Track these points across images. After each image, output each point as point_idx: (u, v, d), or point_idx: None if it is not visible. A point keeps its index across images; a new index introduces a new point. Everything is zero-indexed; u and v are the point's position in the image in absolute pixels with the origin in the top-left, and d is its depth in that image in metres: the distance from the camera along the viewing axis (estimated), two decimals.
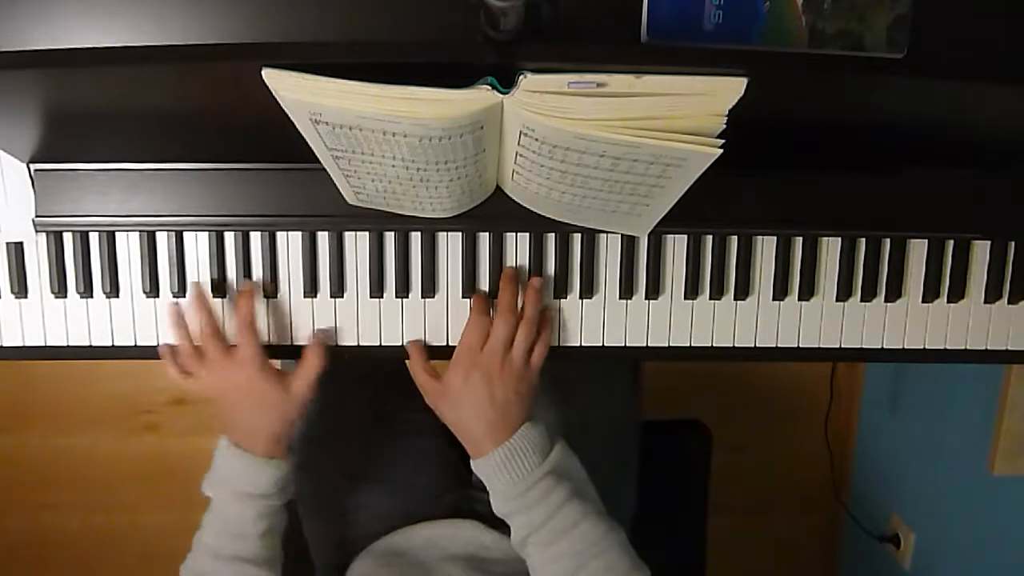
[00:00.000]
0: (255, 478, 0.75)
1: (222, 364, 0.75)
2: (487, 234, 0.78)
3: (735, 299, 0.80)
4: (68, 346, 0.79)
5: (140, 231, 0.76)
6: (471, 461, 0.75)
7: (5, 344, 0.78)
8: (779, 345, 0.81)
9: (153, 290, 0.77)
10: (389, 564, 0.85)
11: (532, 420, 0.74)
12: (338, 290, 0.78)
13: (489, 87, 0.52)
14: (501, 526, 0.77)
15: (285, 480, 0.77)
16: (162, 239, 0.77)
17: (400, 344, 0.79)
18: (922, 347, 0.82)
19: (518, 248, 0.78)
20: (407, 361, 0.79)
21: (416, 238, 0.78)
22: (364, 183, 0.66)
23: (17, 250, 0.77)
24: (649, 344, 0.80)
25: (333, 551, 0.95)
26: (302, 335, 0.79)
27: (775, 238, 0.79)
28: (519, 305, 0.76)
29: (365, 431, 0.96)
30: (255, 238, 0.77)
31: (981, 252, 0.81)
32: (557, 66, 0.51)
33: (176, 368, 0.77)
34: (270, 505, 0.76)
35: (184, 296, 0.78)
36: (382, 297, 0.78)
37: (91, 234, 0.77)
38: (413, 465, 0.95)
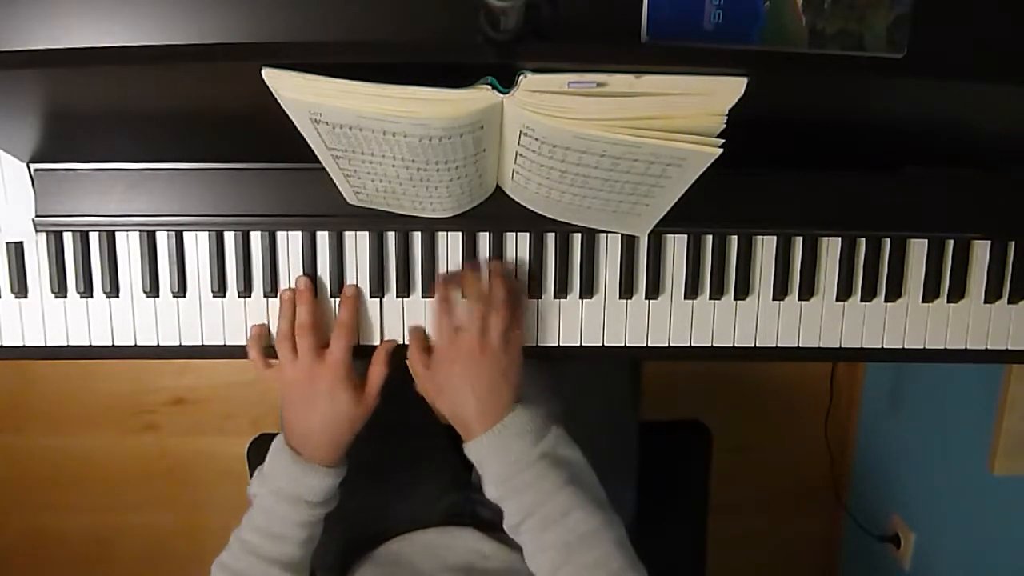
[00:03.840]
0: (308, 483, 0.74)
1: (310, 362, 0.74)
2: (487, 234, 0.78)
3: (735, 299, 0.80)
4: (68, 346, 0.79)
5: (140, 231, 0.76)
6: (463, 446, 0.74)
7: (5, 344, 0.78)
8: (779, 345, 0.81)
9: (153, 290, 0.77)
10: (387, 574, 0.85)
11: (524, 403, 0.73)
12: (338, 290, 0.78)
13: (489, 87, 0.52)
14: (501, 533, 0.77)
15: (334, 490, 0.77)
16: (162, 239, 0.77)
17: (402, 343, 0.79)
18: (922, 347, 0.82)
19: (518, 248, 0.78)
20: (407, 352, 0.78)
21: (416, 238, 0.78)
22: (364, 183, 0.66)
23: (17, 250, 0.77)
24: (649, 344, 0.80)
25: (333, 553, 0.95)
26: None
27: (775, 238, 0.79)
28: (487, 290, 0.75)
29: (365, 433, 0.95)
30: (255, 238, 0.77)
31: (981, 252, 0.81)
32: (557, 66, 0.51)
33: (259, 352, 0.77)
34: (316, 513, 0.76)
35: (184, 296, 0.78)
36: (383, 297, 0.78)
37: (91, 234, 0.77)
38: (413, 467, 0.95)
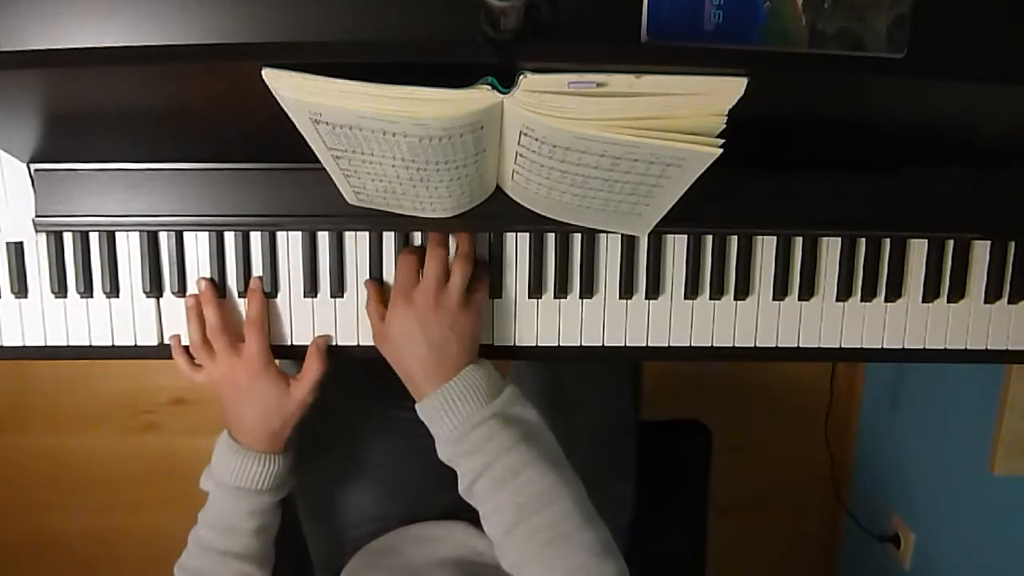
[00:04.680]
0: (249, 472, 0.75)
1: (227, 359, 0.75)
2: (487, 234, 0.78)
3: (735, 299, 0.80)
4: (68, 346, 0.79)
5: (140, 231, 0.76)
6: (415, 406, 0.72)
7: (5, 344, 0.78)
8: (779, 345, 0.81)
9: (153, 290, 0.77)
10: (378, 566, 0.85)
11: (478, 363, 0.72)
12: (338, 290, 0.78)
13: (489, 87, 0.52)
14: None
15: (280, 477, 0.77)
16: (162, 239, 0.77)
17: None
18: (922, 347, 0.82)
19: (518, 248, 0.78)
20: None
21: (416, 238, 0.78)
22: (364, 183, 0.66)
23: (17, 250, 0.77)
24: (649, 344, 0.80)
25: (332, 550, 0.95)
26: (302, 335, 0.79)
27: (775, 238, 0.79)
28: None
29: (363, 431, 0.96)
30: (255, 238, 0.77)
31: (981, 252, 0.81)
32: (557, 66, 0.51)
33: (185, 359, 0.77)
34: (263, 501, 0.76)
35: (184, 296, 0.78)
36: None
37: (91, 234, 0.77)
38: (410, 464, 0.95)
